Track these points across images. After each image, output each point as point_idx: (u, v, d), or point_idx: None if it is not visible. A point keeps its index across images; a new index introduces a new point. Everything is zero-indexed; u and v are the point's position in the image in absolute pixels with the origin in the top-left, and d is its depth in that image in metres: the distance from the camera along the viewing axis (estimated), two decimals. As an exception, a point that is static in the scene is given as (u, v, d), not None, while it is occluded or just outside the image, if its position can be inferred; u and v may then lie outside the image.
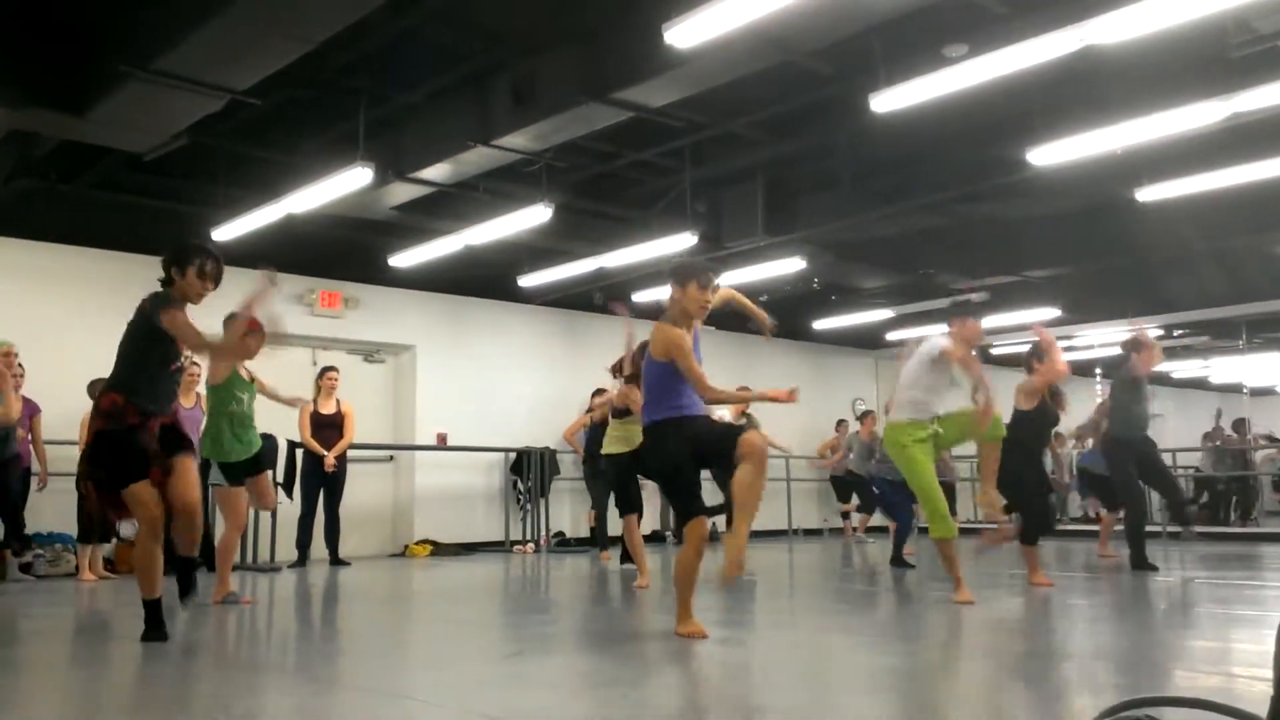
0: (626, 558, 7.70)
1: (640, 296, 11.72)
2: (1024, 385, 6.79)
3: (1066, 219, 10.02)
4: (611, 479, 7.40)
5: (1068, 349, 15.56)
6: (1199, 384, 19.95)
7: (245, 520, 6.27)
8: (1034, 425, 6.72)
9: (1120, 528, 8.32)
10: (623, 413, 7.01)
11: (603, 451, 7.25)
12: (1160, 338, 15.20)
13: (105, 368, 8.06)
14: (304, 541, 9.00)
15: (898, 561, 8.06)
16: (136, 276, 9.33)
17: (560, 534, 11.71)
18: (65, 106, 6.52)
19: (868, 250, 10.85)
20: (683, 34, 5.27)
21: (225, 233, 8.73)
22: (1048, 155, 7.06)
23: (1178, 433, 14.56)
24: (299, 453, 9.17)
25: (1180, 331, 15.07)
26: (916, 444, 5.58)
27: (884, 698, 3.24)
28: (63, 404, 8.09)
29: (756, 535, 10.22)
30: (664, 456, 4.35)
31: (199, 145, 7.62)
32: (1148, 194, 7.98)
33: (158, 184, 8.65)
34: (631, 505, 7.07)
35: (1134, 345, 7.76)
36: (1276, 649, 1.38)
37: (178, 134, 7.10)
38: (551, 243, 9.83)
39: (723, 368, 11.44)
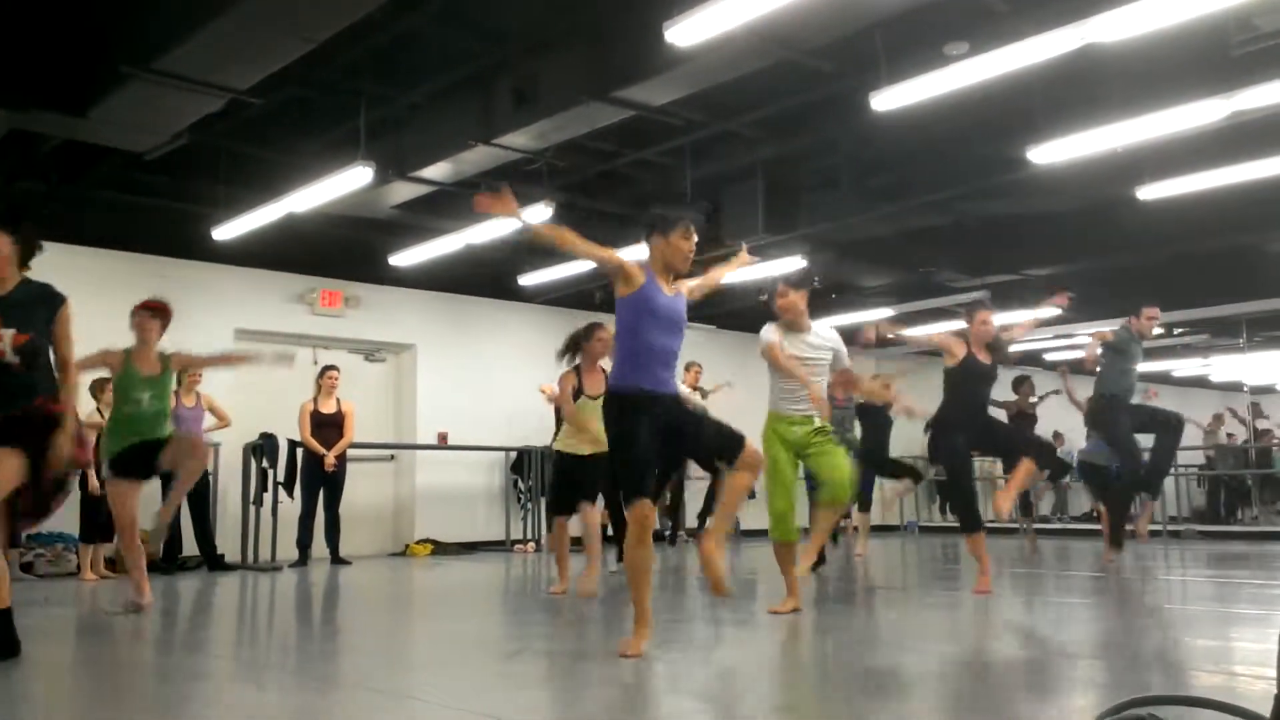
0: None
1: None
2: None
3: (1068, 217, 10.01)
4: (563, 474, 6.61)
5: (1068, 347, 15.60)
6: (1199, 382, 19.96)
7: (130, 521, 5.67)
8: (954, 380, 6.27)
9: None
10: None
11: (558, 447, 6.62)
12: (1160, 335, 15.25)
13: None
14: (305, 541, 9.00)
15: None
16: (138, 276, 9.42)
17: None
18: (67, 107, 6.52)
19: (869, 249, 10.84)
20: (683, 32, 5.27)
21: (226, 232, 8.74)
22: (1049, 153, 7.05)
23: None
24: (299, 452, 9.17)
25: (1181, 330, 15.07)
26: (776, 438, 5.21)
27: (884, 702, 3.24)
28: (64, 403, 8.08)
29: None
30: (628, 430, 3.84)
31: (200, 145, 7.62)
32: (1149, 192, 7.98)
33: (159, 183, 8.66)
34: (566, 506, 6.51)
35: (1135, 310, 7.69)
36: (1279, 647, 1.38)
37: (179, 134, 7.11)
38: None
39: (719, 364, 11.51)
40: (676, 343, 4.03)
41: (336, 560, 9.08)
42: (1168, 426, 7.58)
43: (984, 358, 6.20)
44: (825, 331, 5.38)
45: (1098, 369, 7.68)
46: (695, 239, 4.11)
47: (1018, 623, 5.10)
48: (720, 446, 4.02)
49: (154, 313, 5.83)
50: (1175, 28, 5.19)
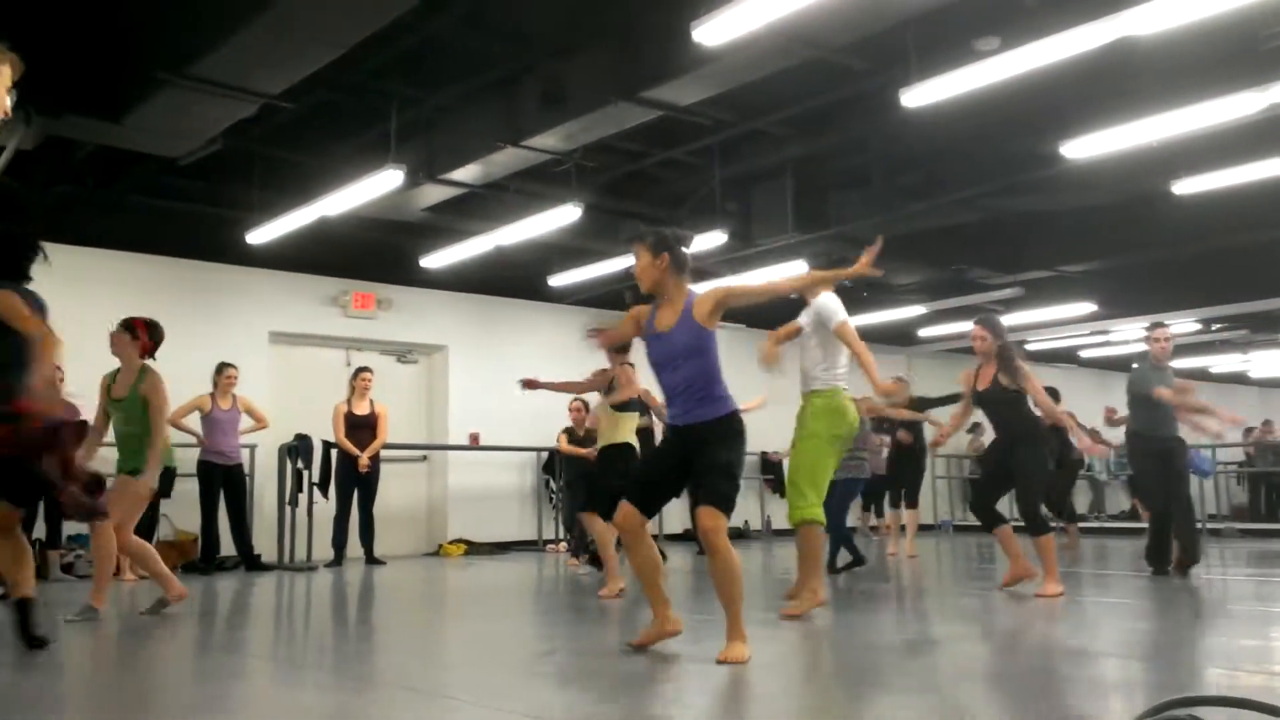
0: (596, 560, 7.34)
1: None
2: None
3: (1101, 213, 9.91)
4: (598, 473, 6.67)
5: (1103, 344, 15.43)
6: (1239, 379, 19.65)
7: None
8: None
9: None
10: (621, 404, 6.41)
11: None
12: (1198, 331, 15.03)
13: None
14: (339, 541, 9.08)
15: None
16: (175, 280, 9.55)
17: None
18: (102, 113, 6.62)
19: (900, 246, 10.76)
20: (711, 32, 5.26)
21: (260, 235, 8.83)
22: (1082, 148, 6.99)
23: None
24: (334, 453, 9.25)
25: (1219, 325, 14.84)
26: (843, 416, 5.17)
27: (919, 697, 3.22)
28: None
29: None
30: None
31: (233, 150, 7.71)
32: (1184, 187, 7.87)
33: (193, 188, 8.77)
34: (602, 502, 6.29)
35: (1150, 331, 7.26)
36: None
37: (212, 139, 7.19)
38: (581, 242, 9.85)
39: (734, 364, 11.40)
40: (677, 376, 3.92)
41: (371, 560, 9.15)
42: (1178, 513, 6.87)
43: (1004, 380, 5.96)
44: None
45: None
46: (640, 258, 4.04)
47: (1057, 621, 5.05)
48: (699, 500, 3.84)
49: (127, 329, 5.47)
50: (1209, 21, 5.12)
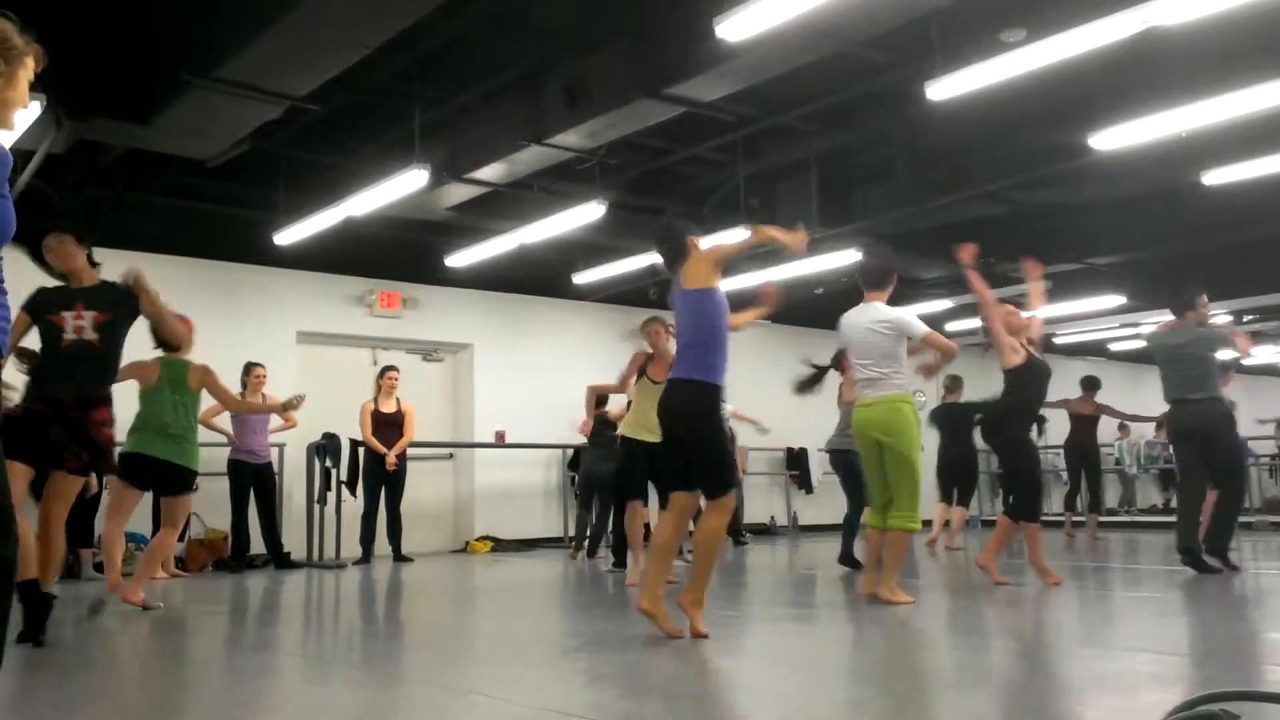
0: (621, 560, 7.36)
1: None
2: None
3: (1131, 204, 9.80)
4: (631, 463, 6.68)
5: (1134, 336, 15.26)
6: (1271, 370, 19.39)
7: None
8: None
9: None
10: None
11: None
12: (1229, 324, 14.84)
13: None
14: (367, 539, 9.13)
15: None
16: (203, 281, 9.63)
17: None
18: (130, 115, 6.68)
19: (925, 240, 10.70)
20: (733, 28, 5.25)
21: (287, 236, 8.90)
22: (1110, 140, 6.92)
23: (1247, 420, 14.17)
24: (361, 451, 9.31)
25: (1250, 317, 14.65)
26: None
27: (970, 694, 3.21)
28: (130, 408, 8.28)
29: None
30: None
31: (260, 151, 7.76)
32: (1214, 177, 7.78)
33: (221, 190, 8.85)
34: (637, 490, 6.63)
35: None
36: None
37: (239, 140, 7.25)
38: (605, 240, 9.86)
39: (764, 360, 11.41)
40: (687, 336, 4.27)
41: (399, 558, 9.20)
42: (1229, 482, 6.63)
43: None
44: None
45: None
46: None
47: (1086, 617, 5.01)
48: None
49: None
50: (1239, 8, 5.05)
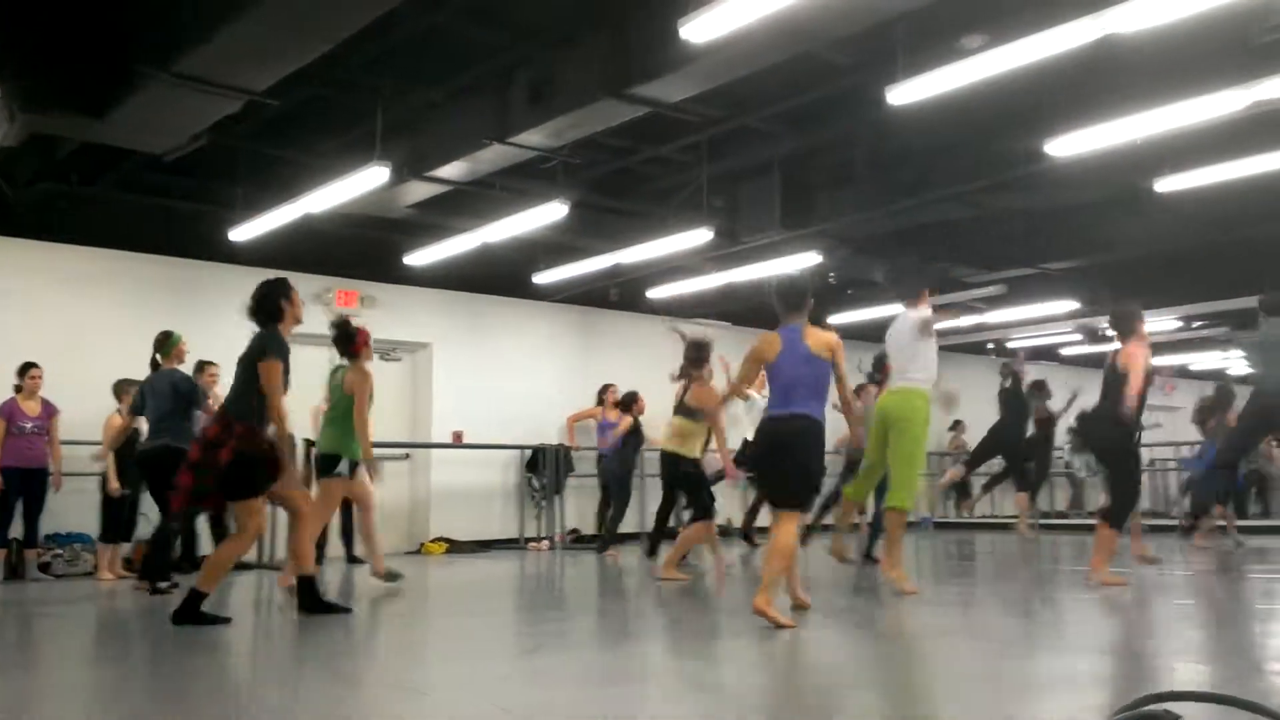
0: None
1: (656, 293, 11.73)
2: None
3: (1085, 210, 9.95)
4: (687, 482, 7.23)
5: (1084, 341, 15.50)
6: (1219, 376, 19.78)
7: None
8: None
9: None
10: (685, 411, 7.07)
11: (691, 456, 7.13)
12: (1179, 329, 15.15)
13: (126, 368, 8.16)
14: (319, 540, 9.01)
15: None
16: (157, 277, 9.48)
17: (575, 531, 11.73)
18: (85, 109, 6.55)
19: (885, 243, 10.81)
20: (698, 29, 5.25)
21: (243, 233, 8.78)
22: (1065, 146, 7.01)
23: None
24: (314, 450, 9.16)
25: (1200, 323, 14.95)
26: None
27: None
28: (84, 405, 8.15)
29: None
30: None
31: (218, 146, 7.65)
32: (1167, 184, 7.92)
33: (177, 185, 8.71)
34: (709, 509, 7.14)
35: None
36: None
37: (197, 135, 7.13)
38: (568, 240, 9.84)
39: (736, 362, 11.43)
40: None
41: (351, 559, 9.10)
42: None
43: None
44: None
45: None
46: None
47: (1036, 619, 5.08)
48: None
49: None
50: (1194, 18, 5.15)
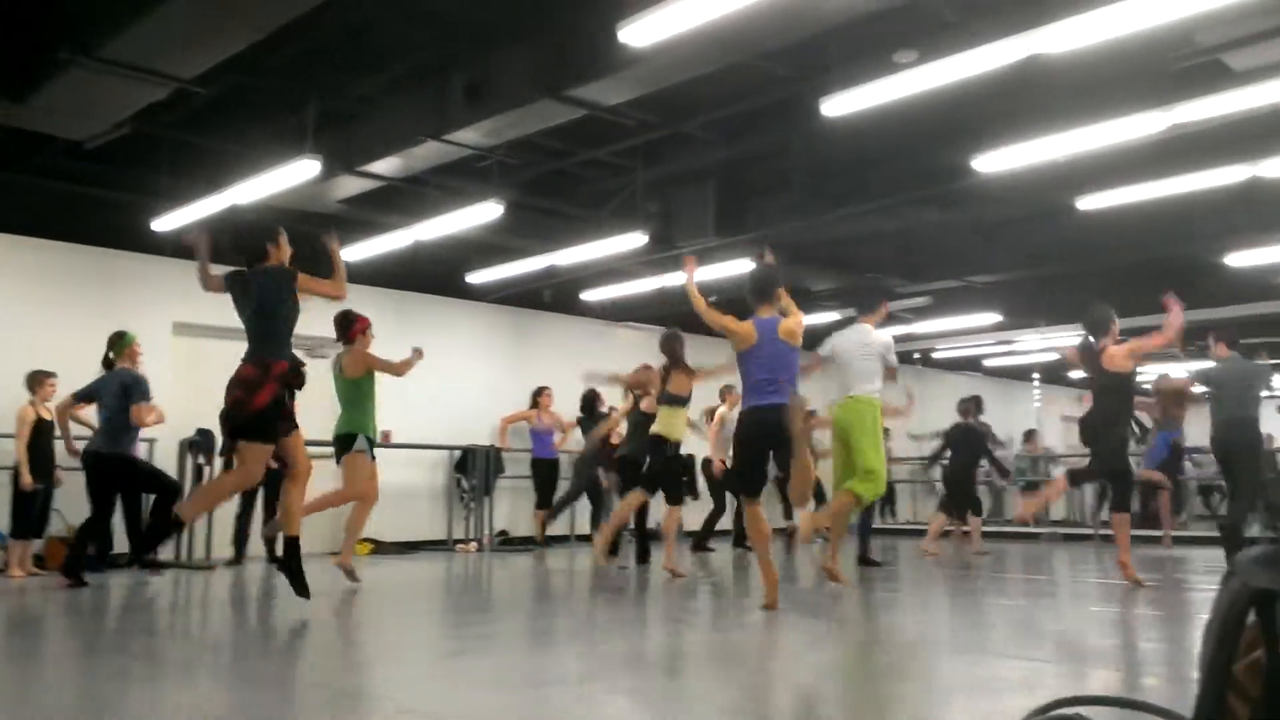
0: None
1: (590, 295, 11.73)
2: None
3: (1009, 226, 10.20)
4: (661, 467, 7.66)
5: (1007, 354, 15.89)
6: (1136, 391, 20.38)
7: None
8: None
9: None
10: (676, 400, 7.56)
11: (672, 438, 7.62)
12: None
13: (42, 358, 7.92)
14: (241, 538, 8.86)
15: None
16: (76, 267, 9.22)
17: (503, 533, 11.66)
18: (4, 93, 6.36)
19: (818, 252, 10.94)
20: (637, 33, 5.27)
21: (166, 223, 8.57)
22: (992, 162, 7.17)
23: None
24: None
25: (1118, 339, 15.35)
26: None
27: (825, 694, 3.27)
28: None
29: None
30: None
31: (142, 134, 7.46)
32: (1088, 202, 8.15)
33: (99, 172, 8.46)
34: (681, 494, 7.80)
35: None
36: (1202, 649, 1.42)
37: (121, 122, 6.96)
38: (502, 240, 9.78)
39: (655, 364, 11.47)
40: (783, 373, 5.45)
41: (274, 559, 8.92)
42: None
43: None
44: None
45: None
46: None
47: (960, 623, 5.17)
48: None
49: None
50: (1116, 42, 5.31)
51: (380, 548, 10.56)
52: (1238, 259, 9.83)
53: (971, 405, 10.66)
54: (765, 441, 5.30)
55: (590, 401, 10.58)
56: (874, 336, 6.70)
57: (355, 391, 6.78)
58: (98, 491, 7.13)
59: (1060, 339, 14.59)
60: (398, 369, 6.98)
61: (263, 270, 5.47)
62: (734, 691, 3.41)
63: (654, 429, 7.68)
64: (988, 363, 16.86)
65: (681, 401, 7.59)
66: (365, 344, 6.94)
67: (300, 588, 5.25)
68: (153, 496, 7.42)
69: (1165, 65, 6.21)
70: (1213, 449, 7.68)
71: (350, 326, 6.93)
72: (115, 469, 7.18)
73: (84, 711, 3.03)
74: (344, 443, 6.73)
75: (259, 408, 5.00)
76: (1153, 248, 10.00)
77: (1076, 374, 18.82)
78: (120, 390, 7.09)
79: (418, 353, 7.06)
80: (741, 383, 5.49)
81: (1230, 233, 9.38)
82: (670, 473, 7.70)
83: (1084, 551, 10.67)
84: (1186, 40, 6.04)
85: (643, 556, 8.63)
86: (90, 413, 8.14)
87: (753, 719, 2.95)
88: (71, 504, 8.29)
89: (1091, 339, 6.93)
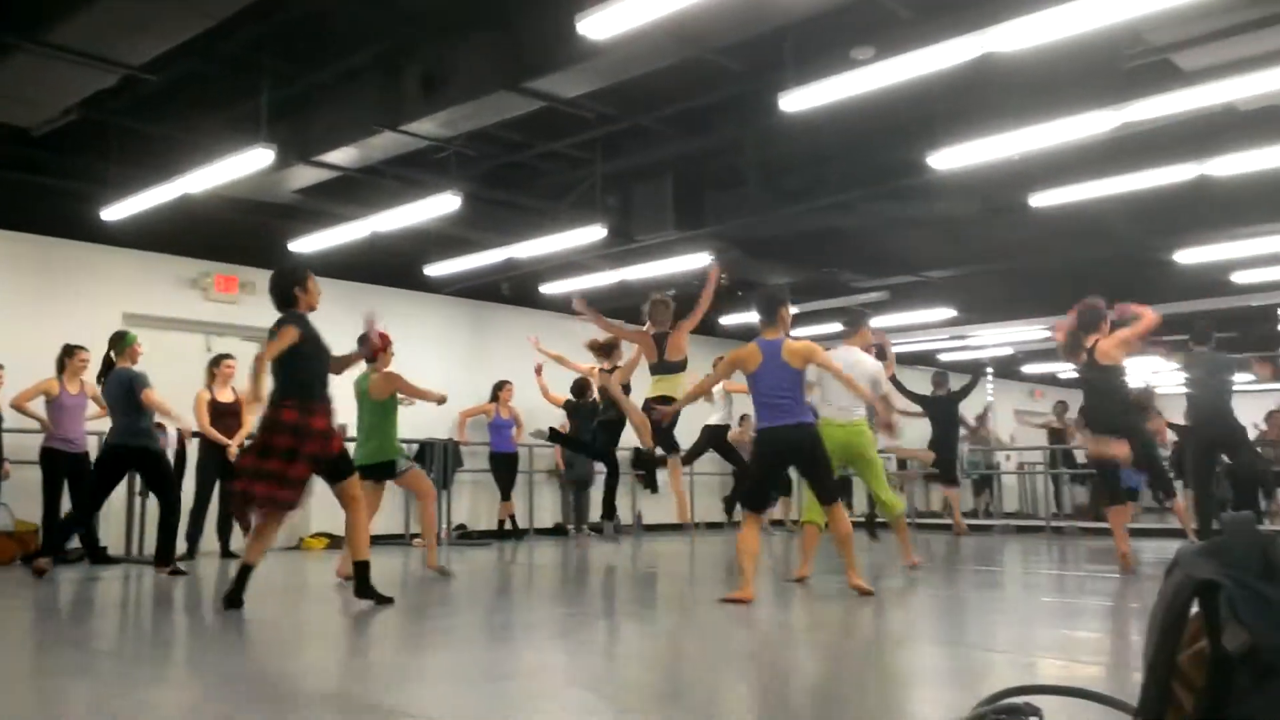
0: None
1: (549, 288, 11.69)
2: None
3: (963, 222, 10.31)
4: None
5: (961, 348, 16.07)
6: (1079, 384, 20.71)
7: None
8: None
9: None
10: (669, 367, 7.33)
11: (651, 395, 7.43)
12: (1048, 339, 15.80)
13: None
14: (195, 534, 8.73)
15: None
16: (23, 257, 9.03)
17: (462, 527, 11.61)
18: (-53, 77, 6.20)
19: (774, 247, 11.00)
20: (595, 25, 5.26)
21: (116, 212, 8.41)
22: (946, 159, 7.24)
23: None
24: (197, 442, 8.85)
25: (1069, 332, 15.57)
26: None
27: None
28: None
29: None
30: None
31: (91, 121, 7.32)
32: (1041, 199, 8.26)
33: (46, 160, 8.29)
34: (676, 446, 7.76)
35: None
36: (1147, 640, 1.44)
37: (69, 109, 6.83)
38: (460, 232, 9.73)
39: (626, 359, 11.49)
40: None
41: (227, 554, 8.82)
42: None
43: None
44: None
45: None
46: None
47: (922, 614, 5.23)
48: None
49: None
50: (1070, 40, 5.39)
51: (336, 542, 10.47)
52: (1187, 255, 10.02)
53: (943, 378, 11.60)
54: (784, 460, 5.61)
55: (582, 387, 10.61)
56: (866, 364, 6.79)
57: (381, 413, 6.81)
58: (102, 482, 7.17)
59: (1014, 333, 14.82)
60: (423, 395, 6.96)
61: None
62: (680, 678, 3.42)
63: (653, 393, 7.43)
64: (943, 357, 17.04)
65: (676, 368, 7.37)
66: (387, 361, 6.97)
67: (380, 599, 5.33)
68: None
69: (1116, 65, 6.31)
70: (1193, 439, 7.90)
71: (377, 346, 6.85)
72: (138, 460, 7.24)
73: (22, 707, 2.98)
74: (386, 470, 6.83)
75: (340, 449, 5.41)
76: (1105, 244, 10.18)
77: (1029, 369, 19.11)
78: (126, 387, 7.09)
79: (443, 399, 7.06)
80: (753, 402, 5.58)
81: (1180, 230, 9.56)
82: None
83: (1036, 543, 10.84)
84: (1137, 40, 6.14)
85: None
86: (39, 405, 8.02)
87: (696, 712, 2.96)
88: (21, 498, 8.15)
89: (1082, 333, 7.04)
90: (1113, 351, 6.78)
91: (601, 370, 8.49)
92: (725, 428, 10.23)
